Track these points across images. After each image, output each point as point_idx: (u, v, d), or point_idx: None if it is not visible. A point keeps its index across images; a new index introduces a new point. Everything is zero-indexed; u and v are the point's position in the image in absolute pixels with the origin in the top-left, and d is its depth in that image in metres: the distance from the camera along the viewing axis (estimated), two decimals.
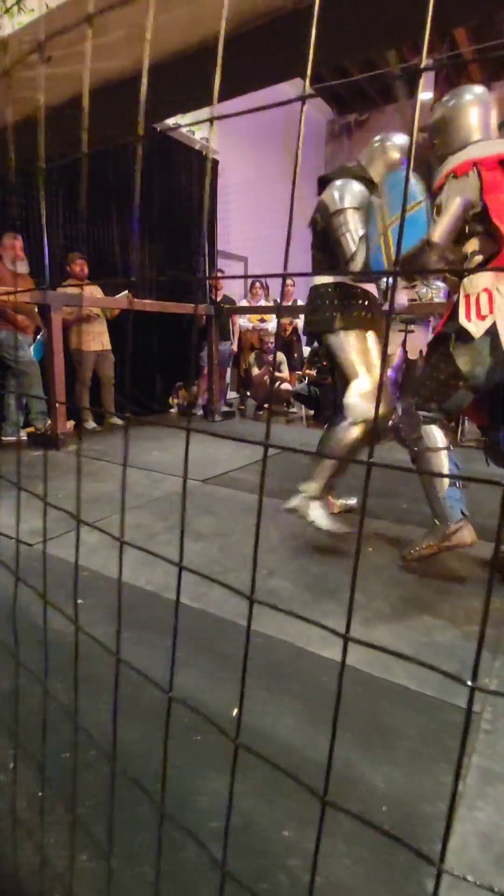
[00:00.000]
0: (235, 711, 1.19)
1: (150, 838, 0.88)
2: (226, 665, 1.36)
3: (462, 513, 1.81)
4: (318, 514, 2.03)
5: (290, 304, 5.77)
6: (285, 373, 5.46)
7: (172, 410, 5.60)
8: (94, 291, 4.35)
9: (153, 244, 5.05)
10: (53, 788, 0.98)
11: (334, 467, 2.07)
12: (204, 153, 5.47)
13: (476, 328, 1.67)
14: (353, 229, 1.98)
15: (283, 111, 6.64)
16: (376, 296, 2.17)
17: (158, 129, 4.81)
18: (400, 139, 2.15)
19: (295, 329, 6.07)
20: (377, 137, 2.19)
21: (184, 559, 1.79)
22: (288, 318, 5.73)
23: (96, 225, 4.59)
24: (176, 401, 5.59)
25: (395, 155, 2.13)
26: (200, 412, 5.41)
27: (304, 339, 6.07)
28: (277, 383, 5.40)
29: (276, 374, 5.40)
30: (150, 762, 1.03)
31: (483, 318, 1.67)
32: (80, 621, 1.53)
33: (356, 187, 2.03)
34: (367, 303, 2.13)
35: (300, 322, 5.73)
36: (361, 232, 1.96)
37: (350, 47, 0.40)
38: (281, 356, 5.40)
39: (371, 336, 2.15)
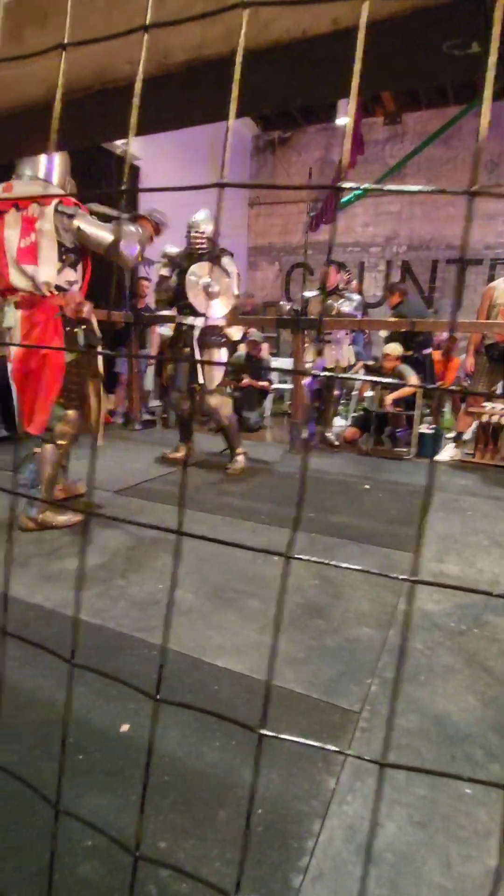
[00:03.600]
0: (123, 727, 1.20)
1: (22, 862, 0.87)
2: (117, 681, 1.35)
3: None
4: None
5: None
6: None
7: None
8: None
9: None
10: None
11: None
12: (124, 158, 5.42)
13: None
14: None
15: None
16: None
17: None
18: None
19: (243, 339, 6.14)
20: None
21: (86, 574, 1.76)
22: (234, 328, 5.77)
23: None
24: None
25: None
26: (121, 420, 5.32)
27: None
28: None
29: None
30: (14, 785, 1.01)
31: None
32: None
33: None
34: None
35: (232, 331, 5.80)
36: None
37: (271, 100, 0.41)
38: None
39: None
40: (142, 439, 4.68)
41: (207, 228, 3.41)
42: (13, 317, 2.27)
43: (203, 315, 3.36)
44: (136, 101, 0.32)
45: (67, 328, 2.30)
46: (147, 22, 0.30)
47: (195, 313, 3.39)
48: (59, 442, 2.39)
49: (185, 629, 1.63)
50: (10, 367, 2.29)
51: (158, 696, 0.39)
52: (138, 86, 0.32)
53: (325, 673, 1.45)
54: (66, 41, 0.32)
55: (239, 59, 0.31)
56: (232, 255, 3.49)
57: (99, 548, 2.22)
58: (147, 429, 5.23)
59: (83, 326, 2.36)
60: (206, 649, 1.52)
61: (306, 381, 4.62)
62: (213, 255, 3.38)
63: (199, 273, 3.25)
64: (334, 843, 0.95)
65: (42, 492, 2.38)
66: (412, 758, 1.16)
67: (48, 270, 2.21)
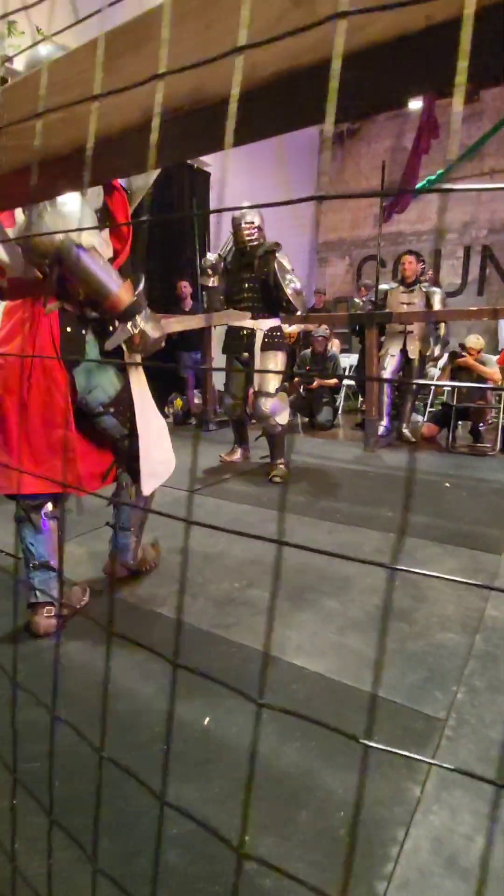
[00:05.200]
0: (206, 720, 1.23)
1: (110, 843, 0.92)
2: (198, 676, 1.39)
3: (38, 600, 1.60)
4: None
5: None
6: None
7: (168, 420, 5.65)
8: None
9: (147, 257, 5.12)
10: (22, 798, 1.01)
11: None
12: (196, 167, 5.55)
13: None
14: None
15: None
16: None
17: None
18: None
19: (299, 337, 6.13)
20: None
21: (165, 571, 1.80)
22: (295, 326, 5.77)
23: None
24: (171, 410, 5.64)
25: None
26: (194, 421, 5.47)
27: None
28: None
29: None
30: (113, 772, 1.06)
31: None
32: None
33: None
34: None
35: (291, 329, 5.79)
36: None
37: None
38: None
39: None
40: (216, 439, 4.77)
41: (256, 220, 3.23)
42: None
43: (265, 318, 3.27)
44: (230, 122, 0.33)
45: (68, 329, 1.49)
46: (239, 42, 0.30)
47: (252, 317, 3.28)
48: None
49: (261, 626, 1.64)
50: None
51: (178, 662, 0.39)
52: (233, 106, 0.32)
53: (409, 678, 1.40)
54: (161, 70, 0.34)
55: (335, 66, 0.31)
56: (281, 247, 3.30)
57: (178, 546, 2.29)
58: (221, 429, 5.33)
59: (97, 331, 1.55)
60: (285, 648, 1.52)
61: (386, 375, 4.50)
62: (271, 249, 3.22)
63: (282, 275, 3.14)
64: (420, 853, 0.92)
65: (130, 534, 1.84)
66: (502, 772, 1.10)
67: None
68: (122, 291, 1.44)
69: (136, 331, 1.50)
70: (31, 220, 1.33)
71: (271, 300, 3.22)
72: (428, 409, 5.31)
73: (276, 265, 3.15)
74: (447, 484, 3.29)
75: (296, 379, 5.50)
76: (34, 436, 1.49)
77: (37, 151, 0.51)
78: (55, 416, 1.49)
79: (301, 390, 5.46)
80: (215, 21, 0.36)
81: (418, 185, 7.16)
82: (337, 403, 5.71)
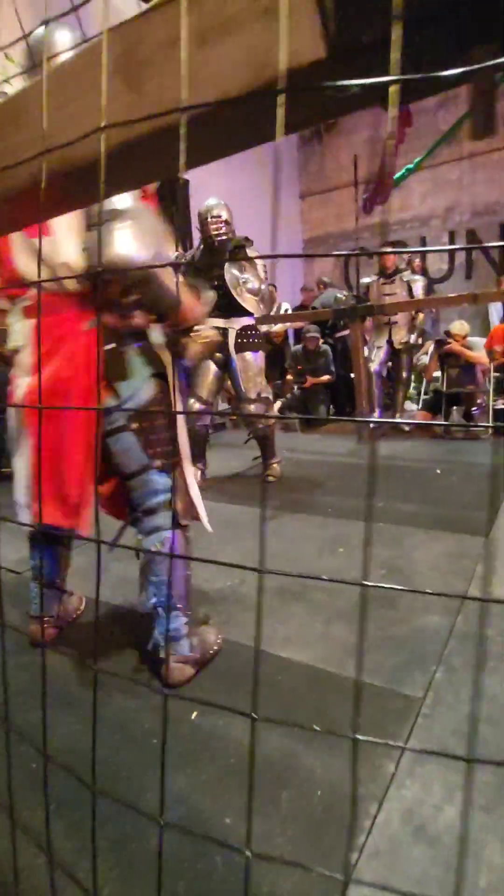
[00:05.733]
0: (194, 715, 1.29)
1: (100, 833, 0.99)
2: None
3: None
4: None
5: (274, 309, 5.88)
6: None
7: None
8: None
9: None
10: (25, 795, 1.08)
11: None
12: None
13: None
14: None
15: None
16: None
17: None
18: None
19: (286, 336, 6.19)
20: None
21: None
22: (281, 325, 5.82)
23: None
24: None
25: None
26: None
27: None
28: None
29: None
30: (108, 766, 1.13)
31: None
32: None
33: None
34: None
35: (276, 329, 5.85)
36: None
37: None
38: None
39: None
40: (211, 442, 4.83)
41: (223, 213, 3.12)
42: (22, 331, 1.40)
43: (239, 316, 3.14)
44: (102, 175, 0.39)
45: (108, 347, 1.35)
46: (105, 122, 0.38)
47: (225, 316, 3.14)
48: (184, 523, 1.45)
49: (252, 622, 1.70)
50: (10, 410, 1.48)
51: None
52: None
53: (390, 661, 1.46)
54: (38, 149, 0.41)
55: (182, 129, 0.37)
56: (252, 242, 3.20)
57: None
58: (217, 432, 5.39)
59: (137, 344, 1.37)
60: (273, 641, 1.59)
61: (374, 366, 4.55)
62: (240, 244, 3.11)
63: (238, 272, 3.06)
64: (392, 824, 0.98)
65: (180, 614, 1.42)
66: (477, 745, 1.15)
67: (70, 246, 1.29)
68: (192, 303, 1.41)
69: (208, 339, 1.53)
70: (92, 237, 1.28)
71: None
72: (421, 396, 5.35)
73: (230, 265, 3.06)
74: (438, 470, 3.34)
75: (289, 377, 5.56)
76: (69, 465, 1.34)
77: None
78: (89, 441, 1.34)
79: (295, 389, 5.52)
80: (90, 92, 0.43)
81: (397, 175, 7.19)
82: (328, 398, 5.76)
